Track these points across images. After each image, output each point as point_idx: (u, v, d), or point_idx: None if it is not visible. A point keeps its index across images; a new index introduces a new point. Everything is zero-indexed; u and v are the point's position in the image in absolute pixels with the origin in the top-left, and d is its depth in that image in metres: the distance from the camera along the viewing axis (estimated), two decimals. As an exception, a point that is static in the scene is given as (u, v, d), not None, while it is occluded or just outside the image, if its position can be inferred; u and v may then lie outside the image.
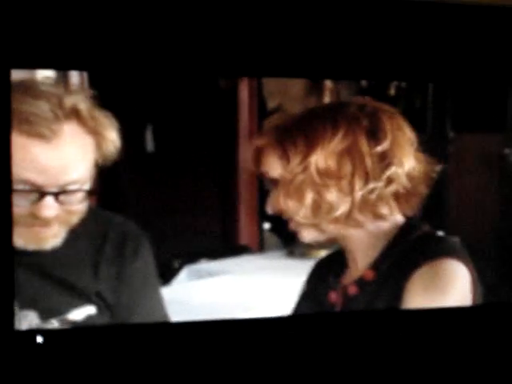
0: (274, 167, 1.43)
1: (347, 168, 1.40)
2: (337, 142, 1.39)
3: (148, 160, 1.52)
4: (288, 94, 1.59)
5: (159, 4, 1.43)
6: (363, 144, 1.40)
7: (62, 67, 1.38)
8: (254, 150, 1.47)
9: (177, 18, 1.45)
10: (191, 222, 1.53)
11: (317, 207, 1.41)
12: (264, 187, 1.56)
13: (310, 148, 1.39)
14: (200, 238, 1.57)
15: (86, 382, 1.44)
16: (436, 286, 1.41)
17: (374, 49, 1.58)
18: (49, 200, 1.29)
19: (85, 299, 1.38)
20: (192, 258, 1.57)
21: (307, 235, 1.46)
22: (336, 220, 1.42)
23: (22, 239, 1.32)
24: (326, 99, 1.60)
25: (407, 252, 1.45)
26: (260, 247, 1.65)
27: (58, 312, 1.37)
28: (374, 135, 1.41)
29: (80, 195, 1.33)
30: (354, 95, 1.63)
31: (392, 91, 1.63)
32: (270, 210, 1.48)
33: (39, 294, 1.36)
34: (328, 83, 1.59)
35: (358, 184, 1.40)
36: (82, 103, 1.30)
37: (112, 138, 1.33)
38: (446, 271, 1.41)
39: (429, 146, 1.56)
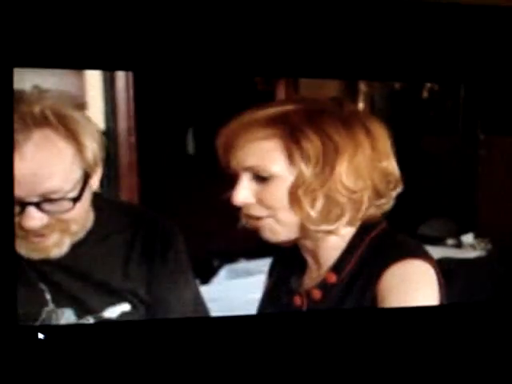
0: (276, 162, 1.36)
1: (361, 182, 1.35)
2: (359, 155, 1.34)
3: (189, 162, 1.52)
4: (323, 96, 1.56)
5: (199, 9, 1.44)
6: (371, 158, 1.37)
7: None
8: (235, 142, 1.38)
9: (217, 23, 1.46)
10: (230, 223, 1.52)
11: (326, 214, 1.35)
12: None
13: (336, 156, 1.34)
14: (238, 239, 1.55)
15: (88, 377, 1.44)
16: (407, 287, 1.37)
17: (406, 51, 1.58)
18: (31, 210, 1.26)
19: (119, 297, 1.39)
20: (231, 257, 1.57)
21: (279, 236, 1.40)
22: (327, 231, 1.38)
23: (23, 250, 1.31)
24: (360, 103, 1.59)
25: (369, 252, 1.41)
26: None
27: (94, 310, 1.37)
28: (375, 149, 1.38)
29: (66, 203, 1.29)
30: (386, 98, 1.63)
31: (425, 94, 1.64)
32: (244, 200, 1.40)
33: (74, 292, 1.36)
34: (362, 86, 1.59)
35: (365, 198, 1.36)
36: (54, 109, 1.26)
37: (88, 143, 1.29)
38: (415, 271, 1.38)
39: (460, 148, 1.57)
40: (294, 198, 1.35)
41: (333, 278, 1.40)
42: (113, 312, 1.38)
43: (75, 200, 1.29)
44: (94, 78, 1.40)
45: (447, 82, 1.63)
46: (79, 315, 1.36)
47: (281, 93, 1.55)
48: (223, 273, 1.56)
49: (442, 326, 1.61)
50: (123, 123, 1.45)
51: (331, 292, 1.41)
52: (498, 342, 1.64)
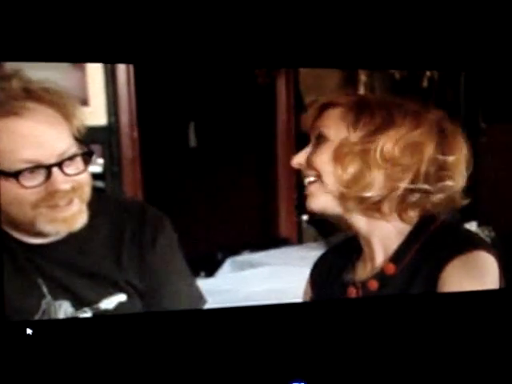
0: (335, 126, 1.41)
1: (406, 159, 1.38)
2: (412, 135, 1.38)
3: (191, 155, 1.54)
4: (323, 89, 1.59)
5: (199, 2, 1.45)
6: (431, 148, 1.39)
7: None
8: (321, 105, 1.43)
9: (217, 16, 1.47)
10: (233, 216, 1.56)
11: (356, 179, 1.37)
12: (302, 183, 1.55)
13: (384, 127, 1.38)
14: (242, 231, 1.59)
15: (77, 372, 1.44)
16: (472, 278, 1.38)
17: (406, 39, 1.58)
18: (57, 173, 1.31)
19: (115, 287, 1.41)
20: (234, 250, 1.58)
21: (319, 203, 1.43)
22: (362, 201, 1.39)
23: (51, 224, 1.34)
24: (360, 92, 1.60)
25: (430, 244, 1.42)
26: (298, 239, 1.66)
27: (90, 301, 1.40)
28: (443, 146, 1.40)
29: (79, 162, 1.34)
30: (387, 88, 1.63)
31: (425, 83, 1.64)
32: (298, 162, 1.45)
33: (70, 285, 1.38)
34: (362, 76, 1.60)
35: (405, 178, 1.38)
36: (29, 83, 1.31)
37: (73, 109, 1.34)
38: (480, 263, 1.39)
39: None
40: (335, 158, 1.39)
41: (391, 269, 1.41)
42: (109, 303, 1.40)
43: (89, 155, 1.35)
44: (95, 74, 1.42)
45: (447, 70, 1.64)
46: (76, 307, 1.39)
47: (281, 85, 1.57)
48: (227, 265, 1.58)
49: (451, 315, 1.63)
50: (125, 118, 1.47)
51: (389, 283, 1.42)
52: (504, 331, 1.66)
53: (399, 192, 1.39)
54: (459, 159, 1.42)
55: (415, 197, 1.40)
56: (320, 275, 1.50)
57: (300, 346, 1.55)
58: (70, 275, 1.38)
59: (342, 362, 1.57)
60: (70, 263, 1.38)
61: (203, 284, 1.49)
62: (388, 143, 1.37)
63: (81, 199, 1.35)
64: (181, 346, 1.50)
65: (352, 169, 1.37)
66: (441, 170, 1.40)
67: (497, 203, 1.68)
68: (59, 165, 1.31)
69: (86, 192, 1.36)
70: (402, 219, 1.41)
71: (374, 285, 1.43)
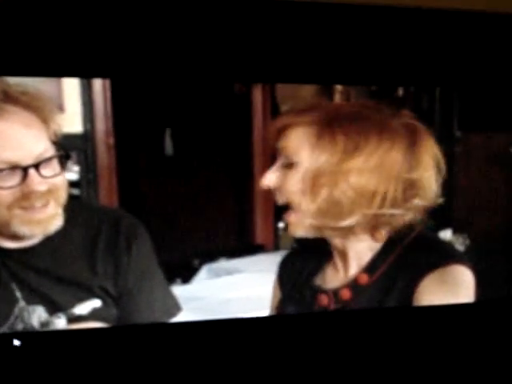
0: (299, 150, 1.35)
1: (372, 186, 1.33)
2: (378, 153, 1.33)
3: (167, 163, 1.54)
4: (299, 98, 1.61)
5: (175, 11, 1.47)
6: (398, 168, 1.35)
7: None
8: (285, 126, 1.37)
9: (193, 25, 1.48)
10: (209, 223, 1.57)
11: (327, 211, 1.34)
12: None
13: (348, 153, 1.33)
14: (218, 238, 1.60)
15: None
16: (448, 292, 1.37)
17: (382, 55, 1.60)
18: (33, 174, 1.30)
19: (89, 293, 1.40)
20: (211, 257, 1.59)
21: (299, 232, 1.39)
22: (336, 229, 1.37)
23: (26, 226, 1.33)
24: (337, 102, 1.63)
25: (405, 256, 1.40)
26: (275, 246, 1.67)
27: (64, 306, 1.39)
28: (412, 162, 1.36)
29: (56, 165, 1.34)
30: (362, 96, 1.64)
31: (400, 92, 1.66)
32: (268, 184, 1.39)
33: (44, 290, 1.38)
34: (338, 86, 1.62)
35: (374, 204, 1.34)
36: (8, 86, 1.31)
37: (50, 113, 1.33)
38: (455, 277, 1.38)
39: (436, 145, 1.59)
40: (303, 187, 1.35)
41: (364, 279, 1.40)
42: (83, 309, 1.40)
43: (66, 158, 1.34)
44: (70, 80, 1.43)
45: (423, 84, 1.66)
46: (50, 312, 1.39)
47: (257, 94, 1.59)
48: (203, 272, 1.59)
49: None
50: (101, 125, 1.48)
51: (361, 293, 1.40)
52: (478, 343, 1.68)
53: (369, 217, 1.35)
54: (428, 176, 1.37)
55: (385, 218, 1.36)
56: (288, 276, 1.48)
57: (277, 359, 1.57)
58: (45, 280, 1.37)
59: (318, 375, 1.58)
60: (45, 269, 1.37)
61: (179, 291, 1.49)
62: (354, 173, 1.32)
63: (57, 202, 1.34)
64: (155, 359, 1.52)
65: (323, 201, 1.33)
66: (409, 190, 1.36)
67: (472, 211, 1.69)
68: (36, 166, 1.30)
69: (62, 195, 1.35)
70: (373, 238, 1.39)
71: (346, 294, 1.41)
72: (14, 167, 1.28)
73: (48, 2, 1.39)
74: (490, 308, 1.64)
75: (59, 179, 1.34)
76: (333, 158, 1.32)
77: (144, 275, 1.44)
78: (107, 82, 1.45)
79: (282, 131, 1.37)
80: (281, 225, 1.66)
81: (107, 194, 1.50)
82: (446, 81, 1.66)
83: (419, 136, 1.37)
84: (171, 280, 1.49)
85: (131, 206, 1.50)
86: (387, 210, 1.35)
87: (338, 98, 1.63)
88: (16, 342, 1.39)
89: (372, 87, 1.65)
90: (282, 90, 1.61)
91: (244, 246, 1.66)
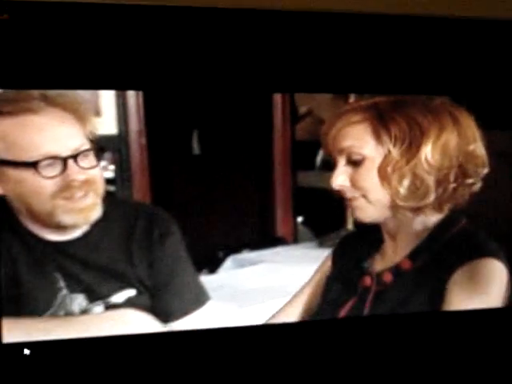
0: (366, 145, 1.42)
1: (447, 160, 1.40)
2: (441, 133, 1.38)
3: (194, 162, 1.61)
4: (316, 100, 1.69)
5: (202, 23, 1.51)
6: (456, 140, 1.41)
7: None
8: (337, 130, 1.44)
9: (218, 37, 1.53)
10: (233, 218, 1.64)
11: (413, 192, 1.40)
12: (297, 185, 1.69)
13: (417, 135, 1.38)
14: (242, 232, 1.67)
15: None
16: (479, 285, 1.39)
17: (392, 64, 1.62)
18: (72, 165, 1.37)
19: (125, 283, 1.46)
20: (235, 249, 1.66)
21: (367, 216, 1.44)
22: (418, 208, 1.42)
23: (69, 215, 1.40)
24: (351, 99, 1.64)
25: (447, 247, 1.44)
26: (294, 239, 1.74)
27: (103, 295, 1.45)
28: (462, 135, 1.43)
29: (92, 158, 1.41)
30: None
31: None
32: (340, 184, 1.45)
33: (84, 279, 1.45)
34: None
35: (451, 178, 1.40)
36: (48, 91, 1.38)
37: (86, 113, 1.41)
38: (489, 271, 1.40)
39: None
40: (383, 176, 1.40)
41: (407, 265, 1.44)
42: (120, 297, 1.46)
43: (101, 151, 1.43)
44: None
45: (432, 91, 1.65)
46: (89, 300, 1.45)
47: (277, 98, 1.67)
48: (228, 263, 1.65)
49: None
50: (134, 126, 1.55)
51: (402, 278, 1.44)
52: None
53: (449, 191, 1.41)
54: (479, 145, 1.45)
55: (461, 190, 1.43)
56: (341, 257, 1.53)
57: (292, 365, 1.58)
58: (85, 271, 1.44)
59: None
60: (86, 260, 1.44)
61: (207, 280, 1.55)
62: (429, 152, 1.38)
63: (95, 193, 1.41)
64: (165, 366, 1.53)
65: (407, 181, 1.39)
66: (471, 160, 1.43)
67: (480, 209, 1.66)
68: (74, 157, 1.37)
69: (100, 186, 1.42)
70: (437, 211, 1.43)
71: (388, 277, 1.45)
72: (54, 158, 1.36)
73: (80, 16, 1.43)
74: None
75: (96, 171, 1.42)
76: (407, 146, 1.39)
77: (175, 266, 1.50)
78: None
79: (336, 135, 1.44)
80: (299, 219, 1.74)
81: (140, 191, 1.57)
82: (456, 85, 1.66)
83: (456, 112, 1.44)
84: (198, 270, 1.55)
85: (162, 202, 1.57)
86: (465, 181, 1.43)
87: (351, 99, 1.65)
88: (26, 351, 1.41)
89: None
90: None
91: (266, 238, 1.72)
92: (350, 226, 1.69)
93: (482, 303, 1.40)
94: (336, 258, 1.55)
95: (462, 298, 1.39)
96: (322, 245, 1.72)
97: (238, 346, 1.56)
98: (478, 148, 1.45)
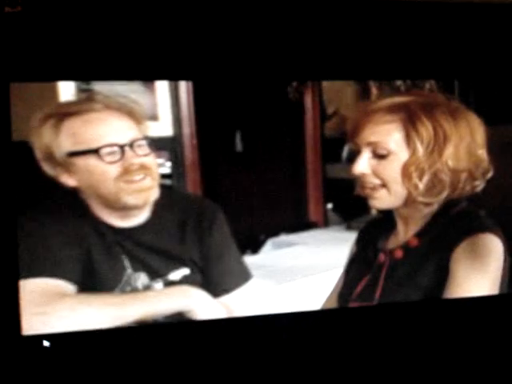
0: (393, 140, 1.51)
1: (464, 164, 1.50)
2: (462, 140, 1.49)
3: (238, 158, 1.73)
4: (342, 101, 1.81)
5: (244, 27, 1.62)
6: (470, 144, 1.51)
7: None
8: (363, 120, 1.54)
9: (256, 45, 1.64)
10: (272, 205, 1.75)
11: (430, 189, 1.50)
12: (326, 176, 1.80)
13: (440, 138, 1.48)
14: (279, 218, 1.78)
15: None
16: (478, 257, 1.47)
17: (408, 52, 1.71)
18: (128, 150, 1.51)
19: (180, 263, 1.58)
20: (274, 232, 1.77)
21: (384, 205, 1.56)
22: (432, 203, 1.52)
23: (131, 196, 1.52)
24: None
25: (449, 226, 1.52)
26: (325, 223, 1.85)
27: (162, 273, 1.57)
28: (474, 140, 1.52)
29: (146, 148, 1.54)
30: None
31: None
32: (361, 171, 1.54)
33: (146, 260, 1.56)
34: (374, 90, 1.80)
35: (464, 177, 1.51)
36: (108, 97, 1.52)
37: (141, 116, 1.54)
38: (487, 244, 1.48)
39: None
40: (406, 173, 1.50)
41: (415, 242, 1.53)
42: (176, 275, 1.58)
43: (152, 142, 1.56)
44: (163, 95, 1.64)
45: (443, 78, 1.76)
46: (151, 278, 1.57)
47: (308, 100, 1.79)
48: (268, 245, 1.77)
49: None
50: (187, 129, 1.68)
51: (411, 254, 1.54)
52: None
53: (458, 190, 1.52)
54: (484, 151, 1.54)
55: (466, 190, 1.53)
56: (362, 240, 1.65)
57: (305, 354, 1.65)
58: (147, 253, 1.56)
59: (344, 369, 1.66)
60: (147, 243, 1.57)
61: (250, 260, 1.66)
62: (450, 156, 1.48)
63: (152, 177, 1.54)
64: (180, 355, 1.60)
65: (426, 180, 1.49)
66: (480, 163, 1.53)
67: (490, 201, 1.68)
68: (130, 145, 1.51)
69: (155, 171, 1.55)
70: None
71: (399, 253, 1.55)
72: (113, 146, 1.51)
73: (133, 10, 1.53)
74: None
75: (150, 159, 1.55)
76: (425, 148, 1.48)
77: (223, 249, 1.61)
78: (191, 95, 1.65)
79: (366, 130, 1.53)
80: (329, 206, 1.85)
81: (192, 184, 1.69)
82: (465, 75, 1.74)
83: (469, 117, 1.54)
84: (242, 252, 1.65)
85: (211, 193, 1.68)
86: (471, 183, 1.52)
87: (373, 99, 1.78)
88: (46, 343, 1.46)
89: (402, 90, 1.78)
90: (328, 94, 1.81)
91: (300, 223, 1.83)
92: (373, 211, 1.82)
93: (482, 273, 1.48)
94: (358, 241, 1.65)
95: (465, 268, 1.47)
96: (349, 228, 1.83)
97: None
98: (484, 153, 1.56)
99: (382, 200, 1.55)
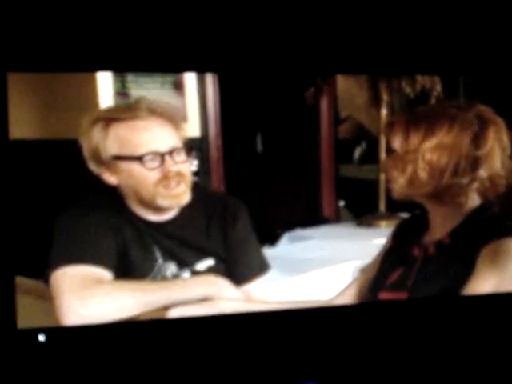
0: (398, 140, 1.55)
1: (444, 160, 1.51)
2: (448, 138, 1.51)
3: (258, 158, 1.80)
4: (355, 106, 1.92)
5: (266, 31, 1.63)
6: (466, 146, 1.52)
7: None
8: (388, 124, 1.60)
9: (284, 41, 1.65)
10: (288, 202, 1.84)
11: (412, 182, 1.53)
12: (339, 175, 1.90)
13: (427, 135, 1.51)
14: (295, 213, 1.86)
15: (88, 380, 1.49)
16: (502, 258, 1.48)
17: (415, 48, 1.71)
18: (168, 158, 1.54)
19: (206, 254, 1.62)
20: (290, 227, 1.84)
21: (395, 195, 1.58)
22: (423, 194, 1.55)
23: (166, 200, 1.57)
24: (384, 109, 1.91)
25: (479, 228, 1.53)
26: (337, 219, 1.94)
27: (189, 263, 1.61)
28: (477, 141, 1.52)
29: (184, 155, 1.57)
30: (402, 105, 1.91)
31: (433, 101, 1.89)
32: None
33: (175, 251, 1.60)
34: (384, 96, 1.91)
35: (446, 175, 1.51)
36: (150, 103, 1.57)
37: (179, 121, 1.59)
38: (509, 248, 1.50)
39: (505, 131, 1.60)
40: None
41: (447, 240, 1.55)
42: (202, 265, 1.62)
43: (190, 150, 1.61)
44: (191, 98, 1.73)
45: (448, 74, 1.82)
46: (179, 268, 1.60)
47: (323, 105, 1.89)
48: (285, 239, 1.84)
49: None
50: (212, 130, 1.75)
51: (443, 250, 1.55)
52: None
53: (443, 185, 1.53)
54: (492, 154, 1.52)
55: (457, 187, 1.53)
56: (399, 233, 1.68)
57: (312, 347, 1.66)
58: (176, 244, 1.61)
59: (354, 363, 1.66)
60: (177, 235, 1.61)
61: (268, 252, 1.69)
62: (428, 151, 1.51)
63: (185, 183, 1.58)
64: (188, 350, 1.61)
65: (407, 174, 1.53)
66: (474, 163, 1.52)
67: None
68: (170, 153, 1.55)
69: (189, 178, 1.59)
70: (455, 204, 1.55)
71: (432, 249, 1.57)
72: (155, 153, 1.57)
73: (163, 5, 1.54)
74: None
75: (186, 166, 1.58)
76: (415, 145, 1.53)
77: (244, 241, 1.66)
78: (218, 99, 1.73)
79: (391, 127, 1.59)
80: (341, 203, 1.95)
81: (217, 181, 1.76)
82: (470, 71, 1.75)
83: (489, 123, 1.54)
84: (262, 244, 1.69)
85: (234, 190, 1.75)
86: (457, 180, 1.53)
87: (384, 106, 1.91)
88: (41, 338, 1.45)
89: (410, 97, 1.89)
90: (342, 100, 1.92)
91: (314, 218, 1.90)
92: (382, 208, 1.94)
93: (504, 273, 1.49)
94: (394, 235, 1.67)
95: (489, 268, 1.49)
96: (359, 224, 1.92)
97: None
98: (490, 156, 1.54)
99: (393, 190, 1.61)
